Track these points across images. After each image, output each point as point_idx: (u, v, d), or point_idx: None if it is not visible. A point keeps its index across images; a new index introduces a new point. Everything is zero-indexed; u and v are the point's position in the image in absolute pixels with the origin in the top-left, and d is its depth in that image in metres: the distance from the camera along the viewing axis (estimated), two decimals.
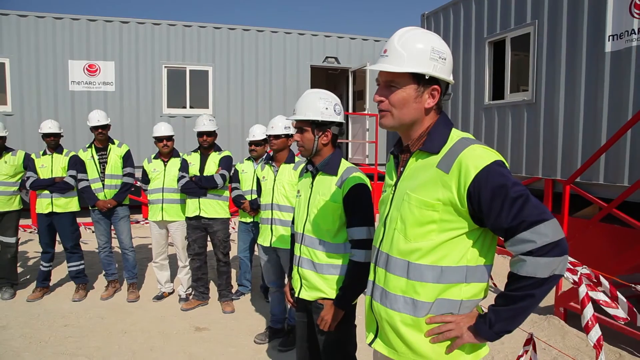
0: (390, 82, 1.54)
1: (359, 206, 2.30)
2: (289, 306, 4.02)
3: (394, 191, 1.63)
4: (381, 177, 10.32)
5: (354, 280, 2.25)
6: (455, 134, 1.54)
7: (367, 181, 2.39)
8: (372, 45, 11.33)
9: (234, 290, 5.17)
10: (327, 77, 12.55)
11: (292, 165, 3.85)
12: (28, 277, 5.90)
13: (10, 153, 5.28)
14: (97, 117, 5.01)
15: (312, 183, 2.45)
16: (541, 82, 6.25)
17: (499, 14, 6.84)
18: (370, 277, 1.71)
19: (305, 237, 2.42)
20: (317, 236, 2.37)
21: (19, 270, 5.87)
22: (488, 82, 7.20)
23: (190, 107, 10.23)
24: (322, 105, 2.37)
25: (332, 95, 2.45)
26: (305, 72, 10.87)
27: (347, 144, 11.68)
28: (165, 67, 9.98)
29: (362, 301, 1.95)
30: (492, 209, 1.39)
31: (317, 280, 2.38)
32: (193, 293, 4.96)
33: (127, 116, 9.73)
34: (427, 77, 1.50)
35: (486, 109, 7.24)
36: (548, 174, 6.20)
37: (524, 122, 6.56)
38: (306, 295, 2.44)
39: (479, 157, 1.42)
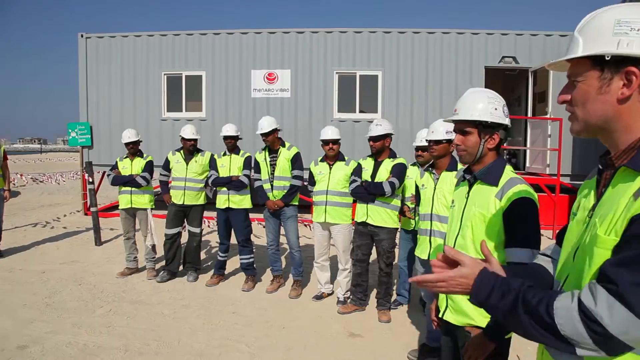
0: (570, 76, 1.21)
1: (521, 224, 1.95)
2: None
3: (590, 217, 1.22)
4: (564, 190, 9.20)
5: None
6: None
7: (535, 196, 2.02)
8: (556, 42, 10.08)
9: (392, 300, 5.03)
10: (503, 79, 11.63)
11: (455, 173, 3.55)
12: (209, 264, 6.60)
13: (200, 154, 5.95)
14: (262, 126, 5.33)
15: (468, 193, 2.16)
16: None
17: None
18: None
19: None
20: (470, 253, 2.07)
21: (203, 257, 6.60)
22: None
23: (360, 111, 10.41)
24: (491, 105, 2.08)
25: (499, 96, 2.15)
26: (478, 74, 10.21)
27: (524, 151, 10.65)
28: (336, 73, 10.34)
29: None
30: None
31: (466, 305, 2.09)
32: (351, 297, 4.96)
33: (301, 121, 10.32)
34: (608, 58, 1.10)
35: None
36: None
37: None
38: (451, 318, 2.17)
39: None
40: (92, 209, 7.98)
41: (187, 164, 5.85)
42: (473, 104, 2.09)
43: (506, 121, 2.11)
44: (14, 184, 11.65)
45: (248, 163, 5.60)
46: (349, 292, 5.04)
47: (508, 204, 1.98)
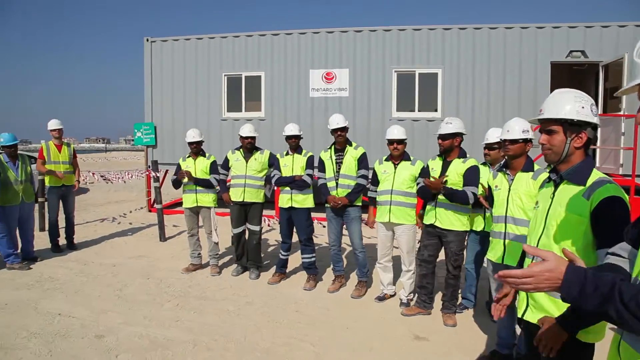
0: None
1: (612, 223, 1.86)
2: (519, 331, 3.57)
3: None
4: (639, 191, 8.60)
5: None
6: None
7: (626, 196, 1.95)
8: (631, 33, 9.41)
9: (457, 303, 4.88)
10: (570, 74, 11.07)
11: (531, 174, 3.40)
12: (268, 262, 6.67)
13: (259, 152, 6.03)
14: (337, 120, 5.32)
15: (553, 193, 2.12)
16: None
17: None
18: None
19: None
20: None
21: (263, 255, 6.69)
22: None
23: (419, 110, 10.22)
24: (578, 104, 2.03)
25: (587, 95, 2.09)
26: (544, 69, 9.77)
27: (593, 150, 10.08)
28: (395, 71, 10.21)
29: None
30: None
31: (547, 303, 2.08)
32: (415, 300, 4.86)
33: (359, 120, 10.26)
34: None
35: None
36: None
37: None
38: (532, 317, 2.14)
39: None
40: (157, 206, 8.29)
41: (246, 161, 5.93)
42: (559, 103, 2.05)
43: (594, 120, 2.05)
44: (84, 182, 12.35)
45: (311, 162, 5.61)
46: (412, 294, 4.94)
47: (597, 204, 1.92)
